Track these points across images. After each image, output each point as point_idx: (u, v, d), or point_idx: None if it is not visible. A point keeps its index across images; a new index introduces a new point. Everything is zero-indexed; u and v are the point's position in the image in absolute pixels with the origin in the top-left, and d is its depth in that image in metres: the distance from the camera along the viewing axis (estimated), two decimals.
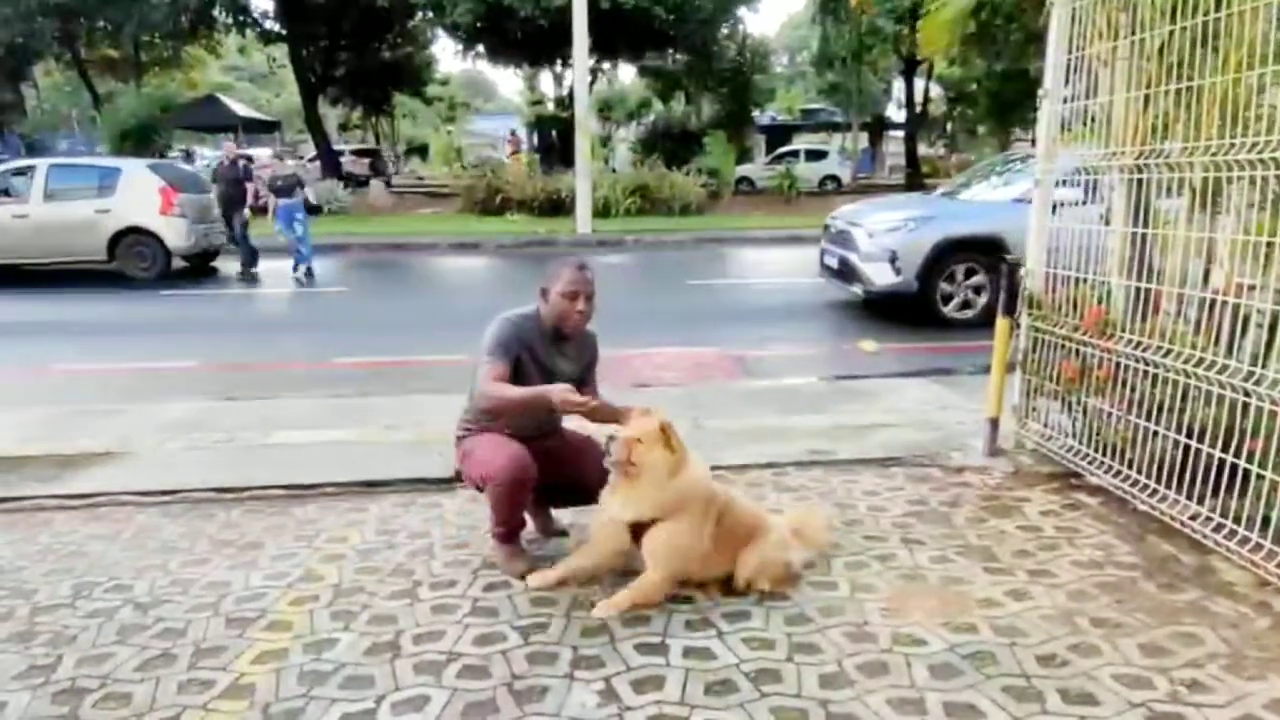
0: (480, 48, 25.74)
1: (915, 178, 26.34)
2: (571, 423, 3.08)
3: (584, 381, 2.98)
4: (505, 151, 23.10)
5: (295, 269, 10.93)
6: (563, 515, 3.16)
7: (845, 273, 8.05)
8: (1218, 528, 2.76)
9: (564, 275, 2.79)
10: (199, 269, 11.99)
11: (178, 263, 11.45)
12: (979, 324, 7.21)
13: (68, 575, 2.87)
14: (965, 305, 7.51)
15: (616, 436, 2.61)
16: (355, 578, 2.81)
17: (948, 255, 7.40)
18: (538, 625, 2.49)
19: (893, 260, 7.46)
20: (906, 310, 7.55)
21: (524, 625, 2.49)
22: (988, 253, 7.26)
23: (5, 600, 2.71)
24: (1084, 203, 3.72)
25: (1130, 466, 3.19)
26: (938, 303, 7.48)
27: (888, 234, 7.60)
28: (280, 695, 2.18)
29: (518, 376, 2.76)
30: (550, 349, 2.86)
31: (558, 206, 18.08)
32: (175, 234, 11.14)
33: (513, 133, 27.96)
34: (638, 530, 2.60)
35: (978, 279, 7.45)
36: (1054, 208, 3.86)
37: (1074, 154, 3.58)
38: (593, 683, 2.20)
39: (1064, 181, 3.76)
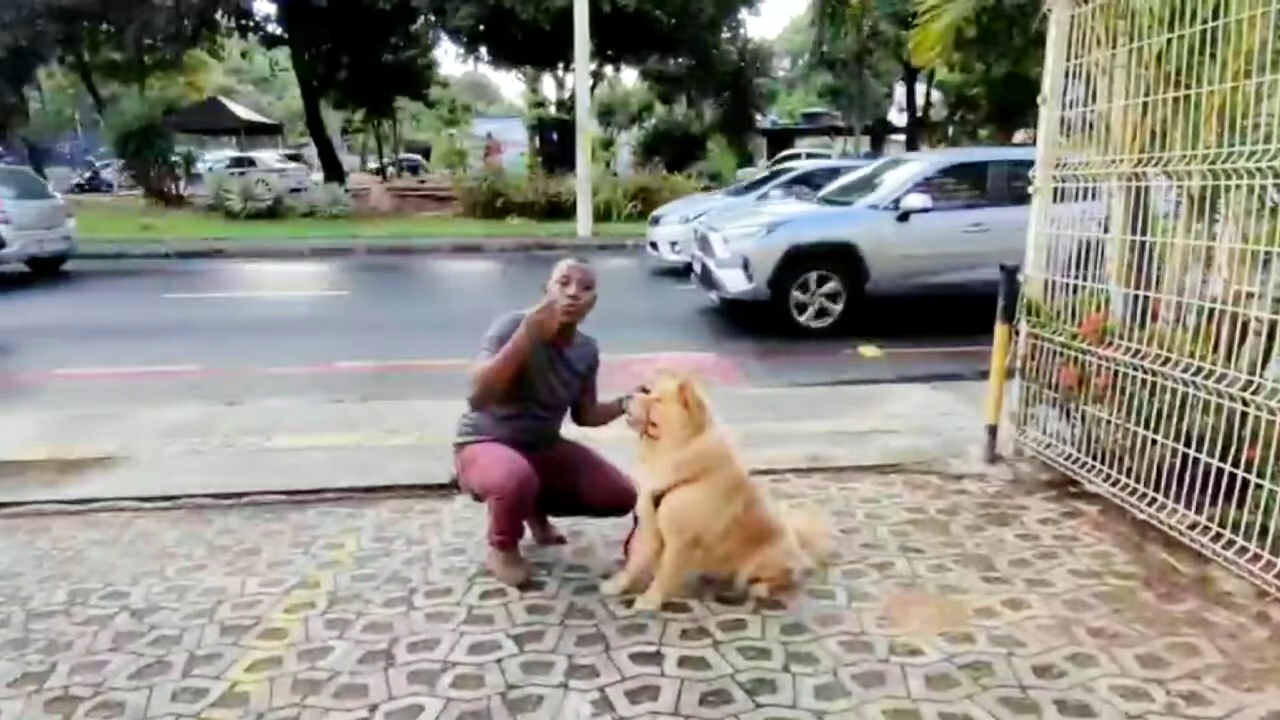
0: (482, 51, 25.82)
1: None
2: (575, 433, 3.08)
3: (585, 387, 2.98)
4: (484, 155, 22.94)
5: None
6: (560, 523, 3.16)
7: (707, 279, 7.97)
8: (1216, 537, 2.75)
9: (560, 264, 2.84)
10: (42, 273, 11.74)
11: (17, 267, 11.22)
12: (834, 333, 7.24)
13: (64, 581, 2.87)
14: (822, 313, 7.39)
15: (634, 396, 2.61)
16: (351, 585, 2.81)
17: (800, 262, 7.28)
18: (533, 634, 2.48)
19: (745, 266, 7.34)
20: (764, 319, 7.42)
21: (519, 633, 2.49)
22: (841, 260, 7.29)
23: (1, 606, 2.70)
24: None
25: (1129, 475, 3.18)
26: (792, 310, 7.35)
27: (741, 240, 7.52)
28: (274, 704, 2.17)
29: (518, 376, 2.75)
30: (551, 350, 2.84)
31: (559, 210, 18.10)
32: None
33: (489, 135, 27.90)
34: (660, 503, 2.60)
35: (831, 286, 7.33)
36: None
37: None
38: (587, 692, 2.20)
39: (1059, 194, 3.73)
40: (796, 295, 7.34)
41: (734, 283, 7.45)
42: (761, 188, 12.38)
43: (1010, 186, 7.53)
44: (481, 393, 2.73)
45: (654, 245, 11.59)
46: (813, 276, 7.32)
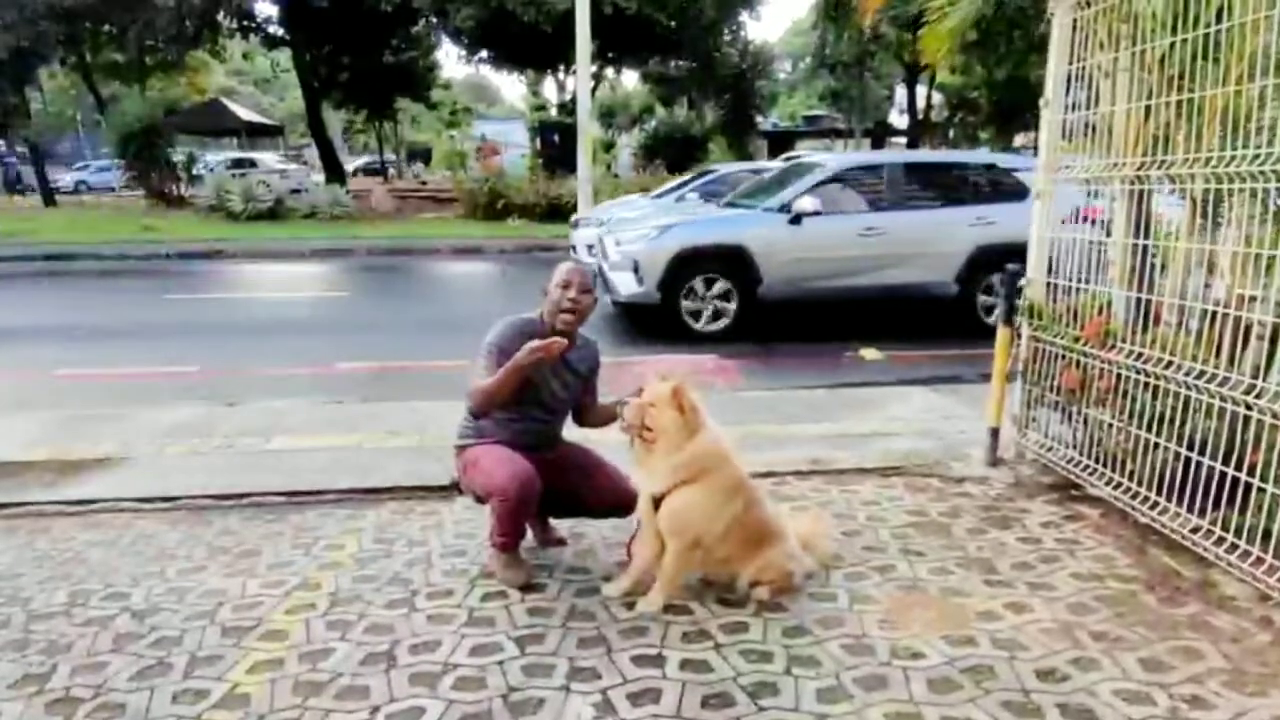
0: (484, 53, 25.82)
1: None
2: (576, 434, 3.08)
3: (587, 388, 2.98)
4: (478, 158, 22.78)
5: None
6: (561, 525, 3.16)
7: (604, 282, 7.84)
8: (1219, 541, 2.75)
9: (560, 268, 2.85)
10: None
11: None
12: (728, 337, 7.15)
13: (64, 582, 2.87)
14: (716, 316, 7.28)
15: (628, 402, 2.61)
16: (352, 586, 2.80)
17: (690, 265, 7.19)
18: (534, 636, 2.48)
19: (635, 269, 7.26)
20: (660, 322, 7.33)
21: (520, 636, 2.48)
22: (732, 263, 7.19)
23: (1, 607, 2.70)
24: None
25: (1131, 478, 3.18)
26: (683, 314, 7.25)
27: (632, 243, 7.45)
28: (275, 706, 2.17)
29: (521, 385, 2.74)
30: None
31: (559, 211, 18.09)
32: None
33: (483, 137, 27.86)
34: (660, 505, 2.60)
35: (722, 289, 7.22)
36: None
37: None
38: (589, 695, 2.19)
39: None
40: (688, 298, 7.24)
41: (625, 285, 7.37)
42: (681, 190, 12.16)
43: (907, 190, 7.58)
44: (482, 408, 2.76)
45: (573, 249, 11.21)
46: (704, 280, 7.22)
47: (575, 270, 2.82)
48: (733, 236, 7.33)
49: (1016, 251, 7.27)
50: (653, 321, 7.43)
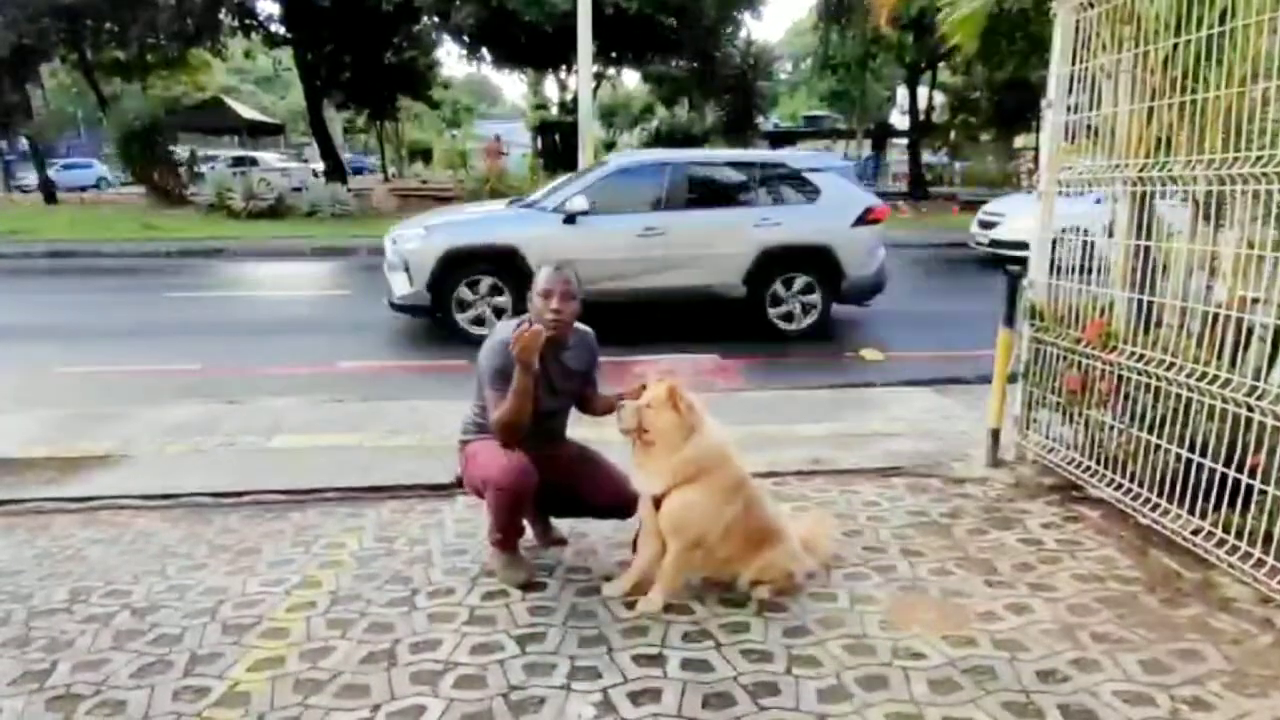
0: (485, 52, 25.81)
1: (919, 185, 26.36)
2: (579, 429, 3.08)
3: (588, 380, 2.98)
4: (486, 158, 22.73)
5: None
6: (562, 524, 3.15)
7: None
8: (1220, 543, 2.75)
9: (541, 275, 2.80)
10: None
11: None
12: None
13: (65, 579, 2.87)
14: (485, 319, 7.06)
15: (625, 404, 2.61)
16: (353, 585, 2.80)
17: (461, 266, 7.02)
18: (535, 635, 2.48)
19: (407, 269, 7.08)
20: (438, 324, 7.22)
21: (521, 635, 2.48)
22: (504, 265, 6.98)
23: (2, 604, 2.70)
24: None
25: (1132, 480, 3.18)
26: (454, 315, 7.07)
27: (405, 242, 7.28)
28: (276, 704, 2.17)
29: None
30: (547, 353, 2.82)
31: None
32: None
33: (497, 138, 27.89)
34: (661, 505, 2.60)
35: (500, 292, 7.07)
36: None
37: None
38: (590, 694, 2.19)
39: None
40: (462, 299, 7.07)
41: (399, 286, 7.17)
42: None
43: (693, 190, 7.37)
44: (511, 439, 2.71)
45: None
46: (482, 282, 7.06)
47: (556, 278, 2.77)
48: (504, 237, 7.12)
49: (801, 254, 7.22)
50: (423, 324, 7.22)
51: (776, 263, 7.24)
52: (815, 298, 7.37)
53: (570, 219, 7.06)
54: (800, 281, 7.31)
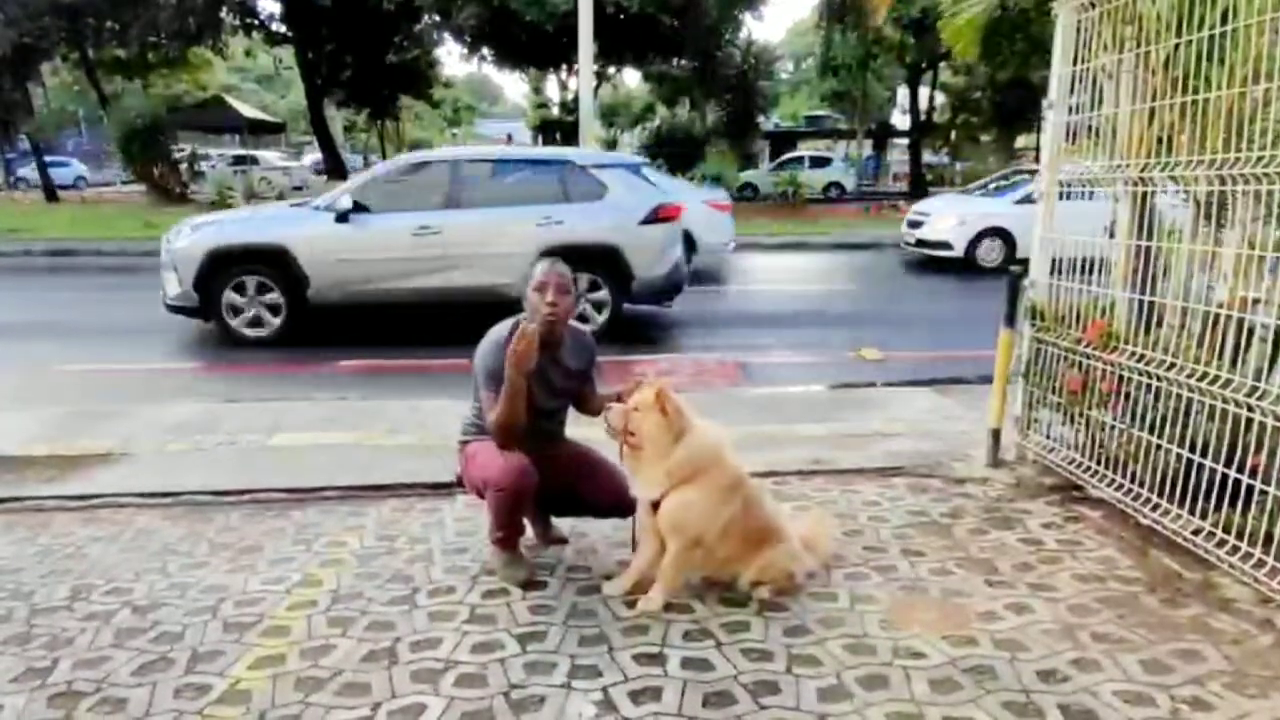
0: (486, 52, 25.82)
1: (919, 185, 26.37)
2: (579, 428, 3.08)
3: (586, 380, 2.98)
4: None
5: None
6: (562, 523, 3.16)
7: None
8: (1220, 543, 2.75)
9: (537, 270, 2.79)
10: None
11: None
12: (274, 343, 6.83)
13: (66, 577, 2.87)
14: (260, 321, 6.94)
15: (612, 407, 2.62)
16: (354, 583, 2.81)
17: (228, 265, 6.79)
18: (535, 634, 2.48)
19: (176, 269, 6.86)
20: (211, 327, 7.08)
21: (522, 633, 2.48)
22: (274, 265, 6.81)
23: (3, 602, 2.71)
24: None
25: (1132, 480, 3.18)
26: (225, 316, 6.87)
27: (175, 241, 7.05)
28: (277, 702, 2.17)
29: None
30: (543, 357, 2.79)
31: None
32: None
33: (509, 137, 28.01)
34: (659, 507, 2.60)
35: (271, 293, 6.88)
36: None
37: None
38: (590, 692, 2.19)
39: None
40: (232, 301, 6.87)
41: (170, 286, 6.96)
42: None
43: (472, 189, 7.17)
44: (508, 440, 2.71)
45: None
46: (251, 282, 6.85)
47: (551, 273, 2.76)
48: (271, 236, 6.91)
49: (586, 253, 6.93)
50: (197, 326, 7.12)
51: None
52: (604, 297, 7.13)
53: (343, 217, 6.85)
54: (586, 281, 7.04)
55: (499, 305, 7.05)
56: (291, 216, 7.36)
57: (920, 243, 12.15)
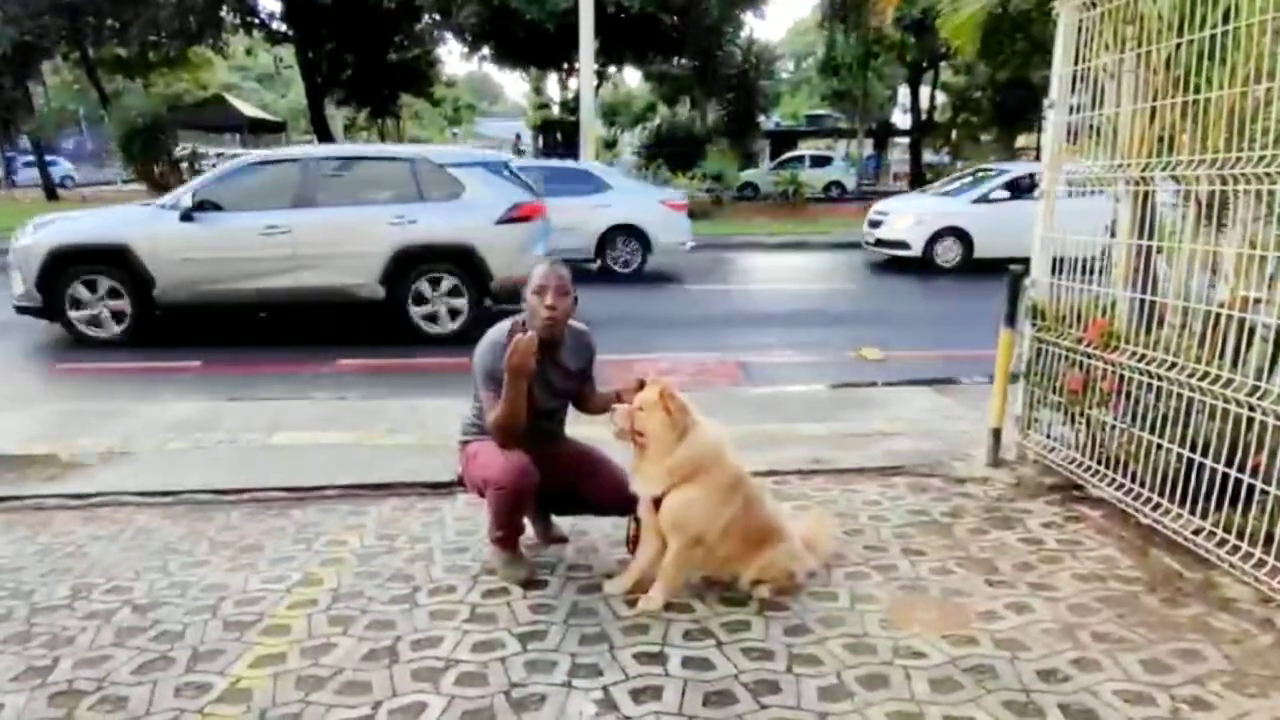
0: (486, 51, 25.82)
1: (920, 184, 26.37)
2: (578, 427, 3.08)
3: (586, 379, 2.98)
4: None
5: None
6: (563, 522, 3.16)
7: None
8: (1221, 543, 2.75)
9: (535, 272, 2.76)
10: None
11: None
12: (129, 344, 6.79)
13: (66, 576, 2.87)
14: (108, 320, 6.89)
15: (617, 408, 2.62)
16: (354, 582, 2.81)
17: (71, 265, 6.72)
18: (536, 632, 2.48)
19: (20, 269, 6.78)
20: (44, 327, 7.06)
21: (522, 632, 2.48)
22: (118, 264, 6.76)
23: (3, 601, 2.71)
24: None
25: (1133, 480, 3.18)
26: (70, 318, 6.81)
27: (18, 241, 6.98)
28: (277, 700, 2.17)
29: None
30: (545, 355, 2.78)
31: None
32: None
33: (518, 136, 28.08)
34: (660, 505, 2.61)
35: (115, 294, 6.83)
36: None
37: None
38: (591, 691, 2.19)
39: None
40: (79, 298, 6.80)
41: (16, 286, 6.85)
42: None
43: (322, 187, 7.10)
44: (508, 440, 2.71)
45: None
46: (104, 283, 6.80)
47: (550, 274, 2.74)
48: (113, 235, 6.84)
49: (441, 253, 6.94)
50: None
51: (417, 262, 6.94)
52: (462, 301, 7.07)
53: (187, 216, 6.78)
54: (448, 283, 7.01)
55: (352, 305, 6.92)
56: (136, 216, 7.28)
57: (880, 242, 12.14)
